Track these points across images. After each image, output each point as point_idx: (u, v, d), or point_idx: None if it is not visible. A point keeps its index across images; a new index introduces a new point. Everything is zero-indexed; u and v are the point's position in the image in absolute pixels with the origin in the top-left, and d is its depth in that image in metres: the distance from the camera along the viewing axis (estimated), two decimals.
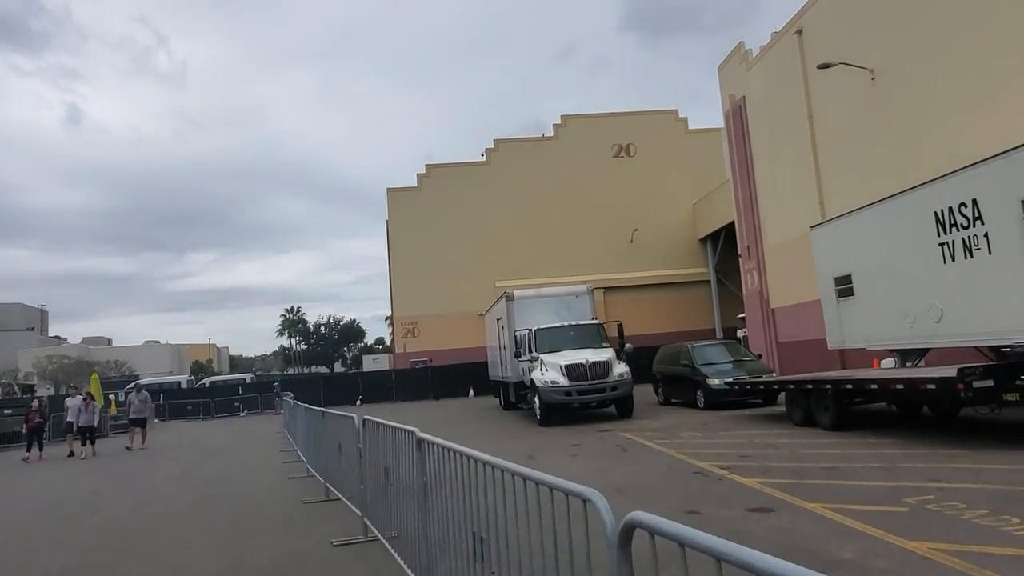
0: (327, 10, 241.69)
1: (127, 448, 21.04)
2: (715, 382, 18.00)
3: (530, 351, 18.99)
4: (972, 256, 11.22)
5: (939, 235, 11.86)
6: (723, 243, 37.08)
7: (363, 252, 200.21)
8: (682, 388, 19.92)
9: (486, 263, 39.52)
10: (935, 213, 11.89)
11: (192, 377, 58.55)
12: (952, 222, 11.59)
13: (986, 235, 10.94)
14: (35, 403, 22.26)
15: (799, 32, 22.61)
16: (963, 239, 11.39)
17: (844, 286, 14.96)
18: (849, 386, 12.34)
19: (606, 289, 36.99)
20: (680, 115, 43.61)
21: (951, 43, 16.35)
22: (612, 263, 39.81)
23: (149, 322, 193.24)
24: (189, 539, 8.27)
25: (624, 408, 18.18)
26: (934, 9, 16.86)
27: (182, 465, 16.52)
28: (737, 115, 27.62)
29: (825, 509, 6.96)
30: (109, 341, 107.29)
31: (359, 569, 6.45)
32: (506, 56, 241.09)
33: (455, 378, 36.53)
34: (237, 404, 39.02)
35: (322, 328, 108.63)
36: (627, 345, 19.49)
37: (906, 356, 14.06)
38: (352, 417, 7.88)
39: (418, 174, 42.77)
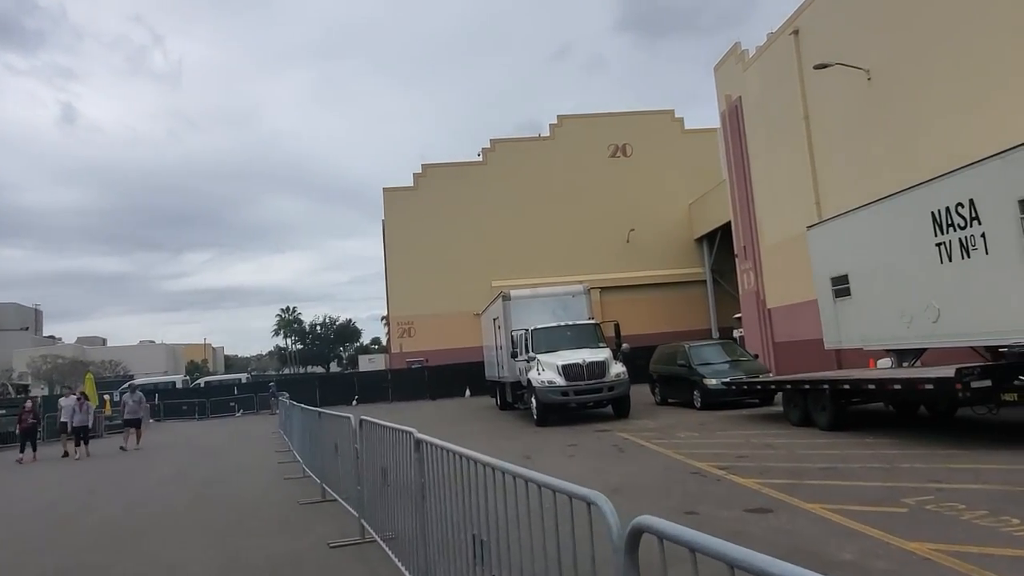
0: (323, 10, 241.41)
1: (122, 448, 20.95)
2: (712, 382, 17.99)
3: (527, 351, 18.95)
4: (969, 256, 11.22)
5: (936, 235, 11.86)
6: (719, 243, 37.11)
7: (359, 252, 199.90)
8: (679, 388, 19.91)
9: (482, 263, 39.47)
10: (932, 213, 11.90)
11: (187, 377, 58.43)
12: (949, 222, 11.60)
13: (983, 235, 10.94)
14: (28, 403, 22.12)
15: (795, 32, 22.61)
16: (960, 239, 11.39)
17: (841, 286, 14.97)
18: (847, 386, 12.34)
19: (602, 289, 36.96)
20: (676, 115, 43.63)
21: (947, 43, 16.37)
22: (608, 263, 39.79)
23: (144, 322, 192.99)
24: (184, 540, 8.21)
25: (621, 408, 18.16)
26: (930, 9, 16.87)
27: (177, 465, 16.44)
28: (733, 115, 27.64)
29: (824, 510, 6.94)
30: (104, 341, 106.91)
31: (356, 570, 6.41)
32: (502, 56, 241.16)
33: (451, 378, 36.48)
34: (232, 404, 38.88)
35: (318, 328, 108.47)
36: (624, 345, 19.48)
37: (903, 356, 14.07)
38: (349, 417, 7.84)
39: (414, 174, 42.69)
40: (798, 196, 22.76)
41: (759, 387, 16.85)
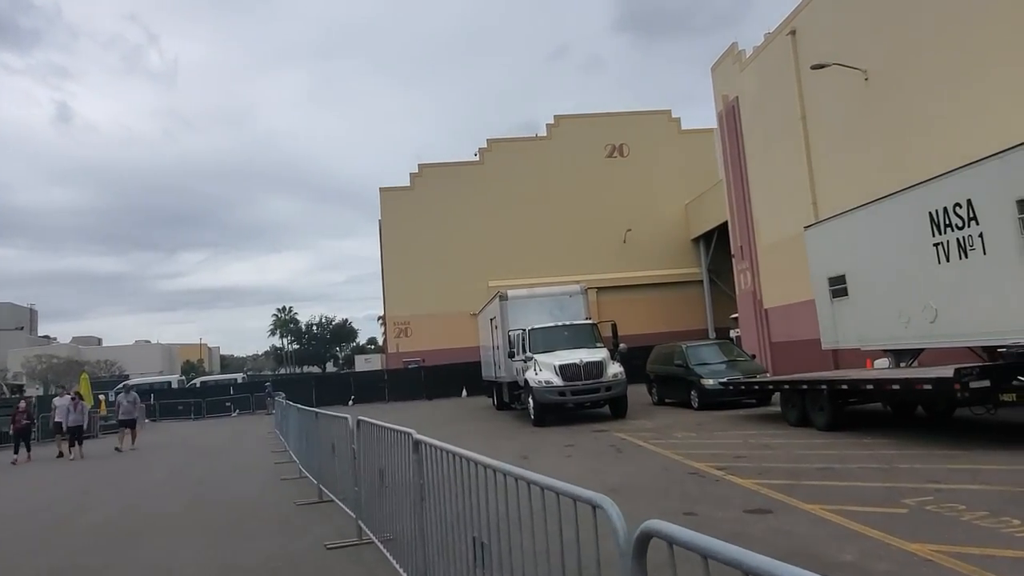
0: (320, 9, 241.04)
1: (117, 450, 20.83)
2: (709, 382, 17.96)
3: (524, 351, 18.91)
4: (967, 256, 11.22)
5: (934, 235, 11.86)
6: (716, 243, 37.13)
7: (355, 252, 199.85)
8: (676, 388, 19.88)
9: (479, 263, 39.43)
10: (930, 213, 11.89)
11: (183, 377, 58.22)
12: (947, 222, 11.59)
13: (981, 235, 10.94)
14: (22, 404, 21.95)
15: (792, 33, 22.63)
16: (958, 239, 11.38)
17: (838, 286, 14.96)
18: (844, 386, 12.32)
19: (599, 289, 36.94)
20: (673, 115, 43.64)
21: (944, 44, 16.38)
22: (605, 263, 39.79)
23: (140, 322, 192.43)
24: (180, 541, 8.15)
25: (618, 408, 18.13)
26: (927, 10, 16.88)
27: (173, 466, 16.37)
28: (730, 115, 27.64)
29: (823, 511, 6.91)
30: (99, 341, 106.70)
31: (354, 572, 6.36)
32: (499, 56, 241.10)
33: (448, 378, 36.42)
34: (228, 404, 38.78)
35: (314, 328, 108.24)
36: (621, 345, 19.43)
37: (900, 356, 14.06)
38: (346, 418, 7.79)
39: (411, 173, 42.62)
40: (795, 196, 22.77)
41: (756, 387, 16.83)
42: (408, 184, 42.39)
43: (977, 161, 10.98)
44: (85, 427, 21.42)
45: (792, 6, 22.79)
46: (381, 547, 6.31)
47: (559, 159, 41.76)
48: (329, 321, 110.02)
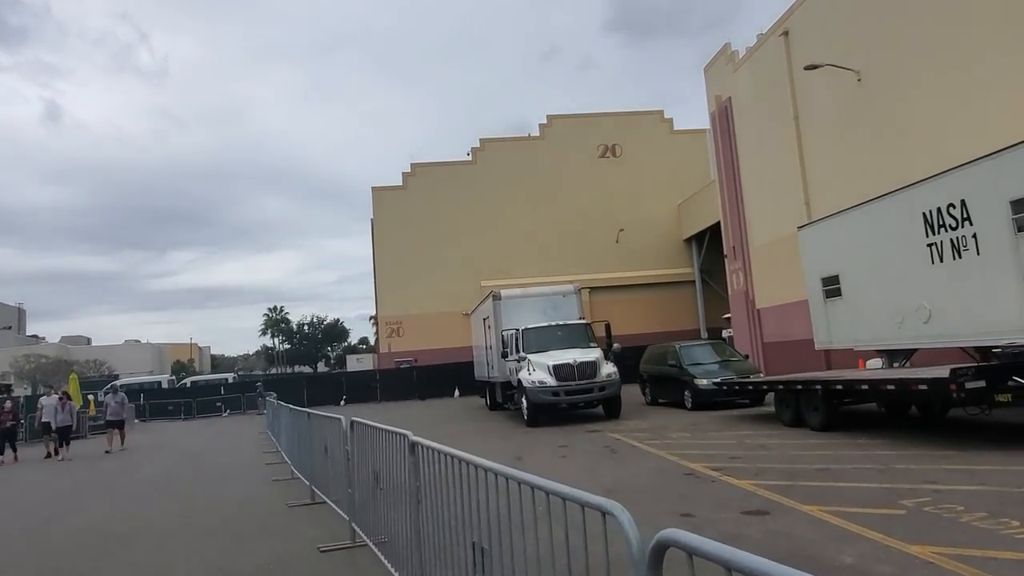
0: (312, 8, 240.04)
1: (106, 452, 20.58)
2: (703, 382, 17.94)
3: (517, 351, 18.84)
4: (960, 257, 11.24)
5: (927, 236, 11.88)
6: (708, 243, 37.19)
7: (347, 251, 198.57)
8: (669, 388, 19.86)
9: (472, 262, 39.35)
10: (923, 214, 11.91)
11: (173, 377, 57.84)
12: (940, 223, 11.61)
13: (974, 236, 10.96)
14: (7, 404, 21.67)
15: (785, 33, 22.65)
16: (951, 240, 11.41)
17: (832, 286, 14.97)
18: (839, 387, 12.30)
19: (592, 289, 36.92)
20: (665, 116, 43.68)
21: (938, 45, 16.42)
22: (598, 263, 39.77)
23: (129, 321, 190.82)
24: (170, 544, 8.03)
25: (612, 408, 18.09)
26: (920, 11, 16.92)
27: (163, 467, 16.21)
28: (723, 116, 27.66)
29: (821, 512, 6.87)
30: (88, 340, 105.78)
31: (347, 575, 6.27)
32: (492, 56, 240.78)
33: (440, 378, 36.29)
34: (219, 404, 38.50)
35: (305, 328, 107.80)
36: (615, 345, 19.40)
37: (893, 357, 14.08)
38: (339, 419, 7.69)
39: (403, 173, 42.49)
40: (788, 196, 22.79)
41: (751, 387, 16.82)
42: (400, 183, 42.26)
43: (970, 162, 11.01)
44: (74, 428, 21.20)
45: (785, 7, 22.82)
46: (375, 550, 6.23)
47: (552, 159, 41.73)
48: (321, 321, 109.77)
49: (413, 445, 4.75)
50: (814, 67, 19.50)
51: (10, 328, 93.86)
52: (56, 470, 17.48)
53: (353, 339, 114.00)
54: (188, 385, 47.43)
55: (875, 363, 15.16)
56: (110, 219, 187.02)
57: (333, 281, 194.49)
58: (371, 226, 43.90)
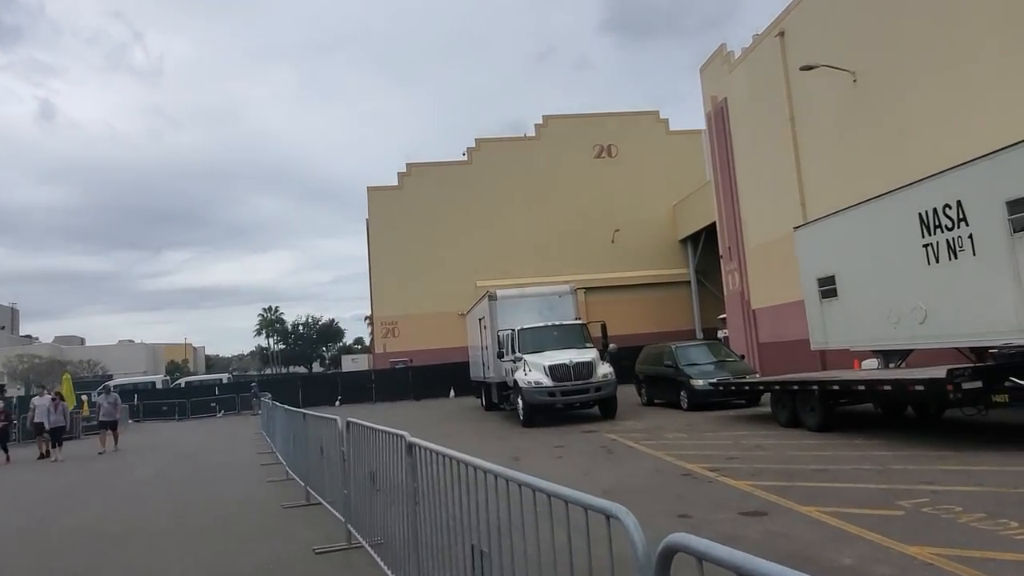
0: (307, 7, 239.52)
1: (100, 453, 20.45)
2: (699, 383, 17.93)
3: (513, 351, 18.80)
4: (956, 257, 11.25)
5: (923, 236, 11.89)
6: (703, 244, 37.22)
7: (342, 251, 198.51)
8: (665, 389, 19.84)
9: (467, 263, 39.28)
10: (919, 214, 11.92)
11: (167, 377, 57.59)
12: (936, 223, 11.62)
13: (970, 236, 10.97)
14: (0, 404, 21.54)
15: (781, 34, 22.67)
16: (947, 240, 11.41)
17: (828, 287, 14.97)
18: (836, 387, 12.30)
19: (587, 289, 36.90)
20: (661, 116, 43.69)
21: (933, 45, 16.45)
22: (593, 263, 39.74)
23: (124, 321, 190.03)
24: (164, 546, 7.97)
25: (608, 409, 18.06)
26: (916, 11, 16.94)
27: (157, 468, 16.11)
28: (719, 116, 27.67)
29: (819, 513, 6.85)
30: (82, 340, 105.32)
31: None
32: (488, 56, 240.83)
33: (436, 378, 36.23)
34: (213, 405, 38.37)
35: (300, 328, 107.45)
36: (611, 345, 19.37)
37: (889, 357, 14.09)
38: (335, 419, 7.64)
39: (399, 173, 42.40)
40: (783, 197, 22.81)
41: (747, 388, 16.81)
42: (396, 183, 42.18)
43: (967, 162, 11.01)
44: (67, 428, 21.07)
45: (780, 8, 22.85)
46: (371, 552, 6.18)
47: (547, 159, 41.69)
48: (316, 321, 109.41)
49: (410, 446, 4.71)
50: (810, 68, 19.53)
51: (3, 328, 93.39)
52: (49, 471, 17.37)
53: (348, 339, 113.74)
54: (182, 385, 47.27)
55: (871, 363, 15.16)
56: (104, 219, 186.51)
57: (328, 281, 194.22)
58: (366, 226, 43.80)
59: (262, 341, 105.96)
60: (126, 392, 37.33)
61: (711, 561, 1.63)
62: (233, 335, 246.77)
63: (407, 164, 42.52)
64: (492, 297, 21.16)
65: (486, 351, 22.11)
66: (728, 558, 1.52)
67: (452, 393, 35.40)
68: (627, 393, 20.84)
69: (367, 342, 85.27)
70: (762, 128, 24.37)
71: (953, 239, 11.28)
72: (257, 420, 25.55)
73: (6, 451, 20.00)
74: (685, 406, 18.35)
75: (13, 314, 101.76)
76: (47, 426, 19.84)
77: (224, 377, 53.43)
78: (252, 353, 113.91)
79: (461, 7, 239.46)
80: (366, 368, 49.84)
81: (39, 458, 19.95)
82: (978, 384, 9.38)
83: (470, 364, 27.20)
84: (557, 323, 19.34)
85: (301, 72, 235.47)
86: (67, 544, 8.54)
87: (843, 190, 18.11)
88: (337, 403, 36.37)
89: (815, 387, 12.77)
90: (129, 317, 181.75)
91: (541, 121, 43.16)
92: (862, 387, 11.74)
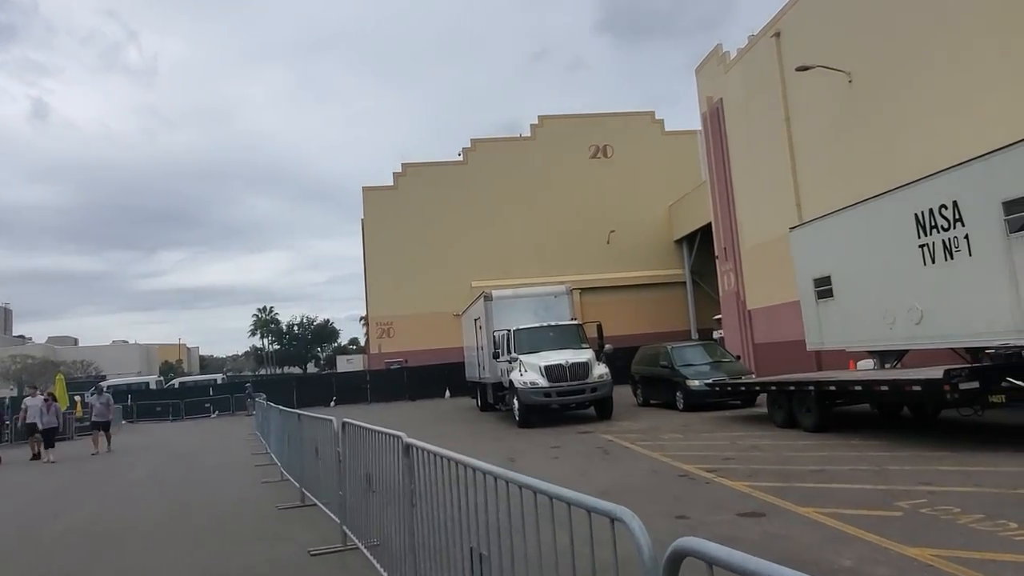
0: (303, 7, 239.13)
1: (93, 454, 20.29)
2: (695, 383, 17.91)
3: (509, 352, 18.74)
4: (952, 258, 11.24)
5: (919, 237, 11.88)
6: (699, 244, 37.22)
7: (337, 252, 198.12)
8: (661, 389, 19.81)
9: (462, 263, 39.22)
10: (915, 215, 11.91)
11: (161, 378, 57.42)
12: (932, 224, 11.61)
13: (966, 237, 10.96)
14: None
15: (777, 35, 22.68)
16: (943, 241, 11.41)
17: (823, 287, 14.97)
18: (832, 387, 12.29)
19: (582, 290, 36.85)
20: (656, 117, 43.70)
21: (929, 46, 16.47)
22: (588, 264, 39.71)
23: (117, 322, 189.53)
24: (158, 547, 7.90)
25: (603, 409, 18.02)
26: (912, 12, 16.97)
27: (150, 469, 16.01)
28: (714, 117, 27.68)
29: (817, 514, 6.82)
30: (75, 341, 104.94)
31: None
32: (483, 56, 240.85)
33: (431, 379, 36.16)
34: (208, 405, 38.22)
35: (295, 328, 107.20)
36: (607, 346, 19.31)
37: (885, 357, 14.08)
38: (331, 420, 7.58)
39: (394, 173, 42.31)
40: (779, 198, 22.82)
41: (743, 388, 16.80)
42: (391, 184, 42.09)
43: (963, 163, 11.01)
44: (60, 429, 20.91)
45: (774, 9, 22.88)
46: (367, 553, 6.13)
47: (543, 159, 41.66)
48: (310, 321, 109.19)
49: (408, 447, 4.66)
50: (805, 68, 19.56)
51: None
52: (42, 472, 17.24)
53: (343, 340, 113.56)
54: (176, 386, 47.10)
55: (866, 364, 15.16)
56: (98, 218, 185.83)
57: (323, 281, 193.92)
58: (362, 226, 43.69)
59: (257, 341, 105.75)
60: (120, 393, 37.20)
61: (722, 566, 1.57)
62: (228, 335, 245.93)
63: (402, 164, 42.46)
64: (488, 297, 21.10)
65: (482, 351, 22.05)
66: (741, 563, 1.48)
67: (447, 394, 35.33)
68: (623, 394, 20.80)
69: (362, 342, 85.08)
70: (758, 128, 24.38)
71: (949, 240, 11.28)
72: (252, 421, 25.43)
73: None
74: (681, 407, 18.32)
75: (6, 314, 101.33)
76: (40, 427, 19.67)
77: (218, 378, 53.32)
78: (247, 353, 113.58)
79: (456, 7, 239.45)
80: (361, 368, 49.75)
81: (31, 459, 19.80)
82: (975, 384, 9.38)
83: (465, 365, 27.14)
84: (553, 323, 19.29)
85: (296, 72, 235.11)
86: (60, 546, 8.45)
87: (839, 190, 18.12)
88: (332, 404, 36.26)
89: (811, 388, 12.76)
90: (123, 317, 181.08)
91: (536, 121, 43.14)
92: (859, 387, 11.73)
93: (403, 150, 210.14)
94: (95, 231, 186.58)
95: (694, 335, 36.25)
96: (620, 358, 22.64)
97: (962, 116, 15.35)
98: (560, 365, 17.30)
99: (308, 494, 9.44)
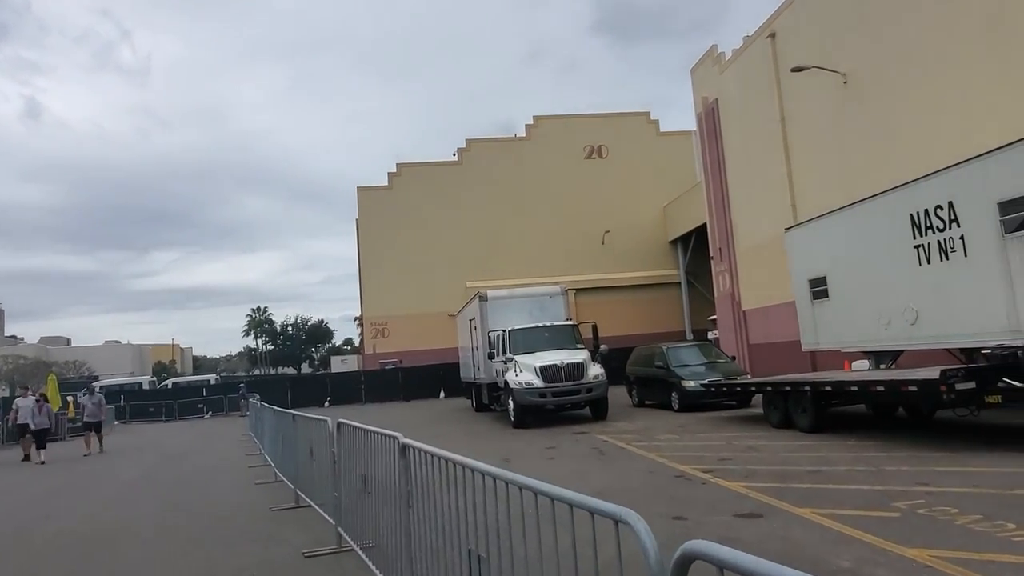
0: (296, 7, 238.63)
1: (85, 455, 20.15)
2: (690, 384, 17.90)
3: (504, 352, 18.71)
4: (948, 258, 11.24)
5: (915, 237, 11.88)
6: (693, 245, 37.23)
7: (332, 252, 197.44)
8: (656, 390, 19.80)
9: (457, 263, 39.16)
10: (911, 215, 11.91)
11: (154, 378, 57.12)
12: (928, 224, 11.61)
13: (962, 237, 10.96)
14: None
15: (772, 36, 22.70)
16: (939, 241, 11.41)
17: (819, 288, 14.97)
18: (828, 388, 12.28)
19: (577, 290, 36.84)
20: (652, 117, 43.74)
21: (924, 47, 16.49)
22: (583, 264, 39.70)
23: (110, 322, 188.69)
24: (150, 550, 7.82)
25: (599, 410, 17.99)
26: (907, 13, 16.99)
27: (143, 470, 15.90)
28: (710, 117, 27.69)
29: (815, 514, 6.79)
30: (68, 341, 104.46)
31: None
32: (478, 56, 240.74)
33: (425, 379, 36.08)
34: (201, 406, 38.03)
35: (289, 328, 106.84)
36: (602, 346, 19.30)
37: (880, 358, 14.08)
38: (326, 420, 7.52)
39: (389, 173, 42.23)
40: (774, 198, 22.83)
41: (739, 389, 16.79)
42: (386, 184, 42.00)
43: (958, 163, 11.01)
44: (52, 429, 20.75)
45: (769, 10, 22.90)
46: (362, 555, 6.07)
47: (538, 160, 41.63)
48: (304, 322, 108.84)
49: (404, 447, 4.61)
50: (800, 69, 19.57)
51: None
52: (33, 473, 17.10)
53: (337, 340, 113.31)
54: (169, 386, 46.87)
55: (861, 365, 15.16)
56: (91, 218, 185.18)
57: (317, 282, 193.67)
58: (356, 227, 43.59)
59: (250, 342, 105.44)
60: (112, 393, 36.96)
61: (733, 570, 1.53)
62: (221, 336, 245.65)
63: (397, 164, 42.37)
64: (483, 298, 21.06)
65: (477, 352, 22.01)
66: (752, 567, 1.43)
67: (442, 394, 35.25)
68: (618, 394, 20.78)
69: (356, 343, 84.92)
70: (753, 129, 24.39)
71: (944, 240, 11.28)
72: (245, 421, 25.32)
73: None
74: (676, 407, 18.31)
75: None
76: (32, 427, 19.52)
77: (212, 378, 53.08)
78: (240, 354, 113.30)
79: (452, 7, 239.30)
80: (355, 369, 49.62)
81: (22, 460, 19.64)
82: (972, 385, 9.38)
83: (460, 365, 27.08)
84: (548, 324, 19.26)
85: (290, 72, 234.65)
86: (52, 547, 8.36)
87: (834, 191, 18.15)
88: (326, 404, 36.15)
89: (807, 388, 12.75)
90: (116, 318, 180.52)
91: (532, 121, 43.12)
92: (855, 388, 11.73)
93: (398, 150, 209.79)
94: (88, 231, 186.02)
95: (689, 336, 36.28)
96: (615, 359, 22.62)
97: (957, 117, 15.37)
98: (555, 366, 17.26)
99: (302, 495, 9.37)
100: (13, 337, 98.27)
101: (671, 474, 9.76)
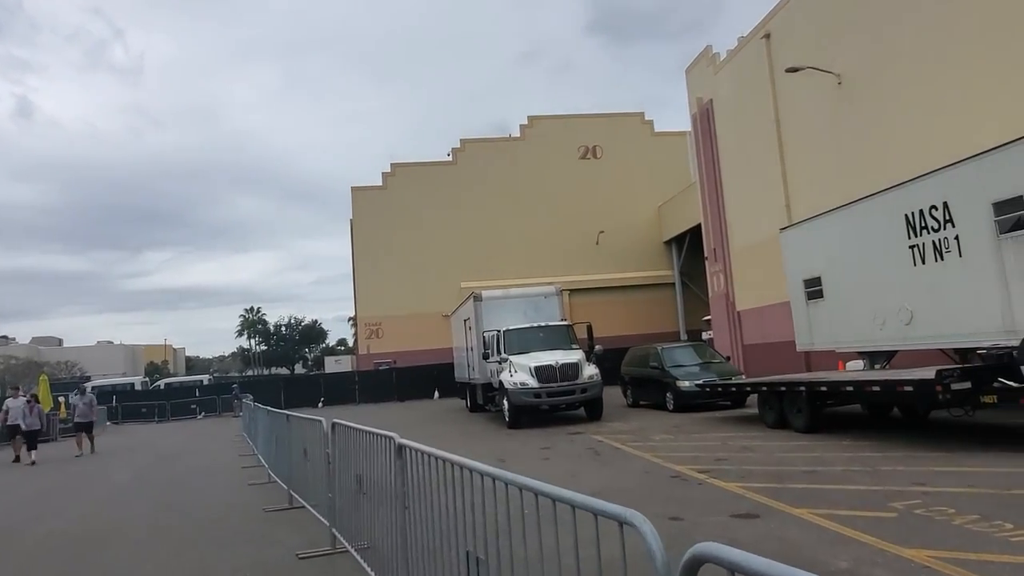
0: (290, 6, 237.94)
1: (77, 456, 20.00)
2: (685, 384, 17.88)
3: (498, 352, 18.65)
4: (943, 259, 11.28)
5: (910, 237, 11.91)
6: (688, 245, 37.27)
7: (325, 252, 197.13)
8: (651, 390, 19.78)
9: (452, 264, 39.10)
10: (906, 216, 11.94)
11: (147, 378, 56.88)
12: (923, 224, 11.64)
13: (957, 238, 11.00)
14: None
15: (767, 36, 22.75)
16: (934, 241, 11.44)
17: (814, 288, 14.99)
18: (824, 388, 12.28)
19: (572, 291, 36.80)
20: (647, 118, 43.77)
21: (918, 48, 16.54)
22: (577, 265, 39.70)
23: (102, 322, 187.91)
24: (142, 552, 7.74)
25: (594, 410, 17.96)
26: (902, 14, 17.04)
27: (135, 471, 15.79)
28: (704, 118, 27.73)
29: (812, 515, 6.77)
30: (60, 341, 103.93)
31: None
32: (472, 56, 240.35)
33: (420, 380, 36.00)
34: (194, 406, 37.85)
35: (282, 329, 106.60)
36: (597, 347, 19.26)
37: (874, 358, 14.11)
38: (320, 421, 7.46)
39: (383, 173, 42.15)
40: (769, 199, 22.87)
41: (734, 389, 16.78)
42: (380, 184, 41.91)
43: (953, 164, 11.05)
44: (44, 430, 20.59)
45: (763, 11, 22.94)
46: (357, 556, 6.01)
47: (533, 160, 41.61)
48: (298, 322, 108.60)
49: (400, 448, 4.56)
50: (795, 70, 19.62)
51: None
52: (24, 474, 16.97)
53: (331, 340, 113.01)
54: (162, 387, 46.66)
55: (855, 365, 15.20)
56: (83, 218, 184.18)
57: (311, 282, 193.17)
58: (350, 226, 43.48)
59: (244, 342, 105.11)
60: (104, 393, 36.78)
61: (744, 573, 1.49)
62: (214, 336, 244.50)
63: (391, 164, 42.28)
64: (477, 298, 21.00)
65: (471, 352, 21.95)
66: (764, 569, 1.39)
67: (436, 394, 35.19)
68: (612, 395, 20.76)
69: (350, 343, 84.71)
70: (747, 129, 24.43)
71: (939, 240, 11.31)
72: (238, 422, 25.19)
73: None
74: (671, 407, 18.30)
75: None
76: (23, 428, 19.36)
77: (205, 379, 52.93)
78: (234, 354, 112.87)
79: (446, 7, 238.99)
80: (349, 369, 49.48)
81: (14, 461, 19.48)
82: (967, 385, 9.38)
83: (455, 365, 27.03)
84: (543, 324, 19.22)
85: (284, 71, 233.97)
86: (43, 549, 8.28)
87: (829, 191, 18.17)
88: (320, 404, 36.02)
89: (802, 388, 12.74)
90: (108, 318, 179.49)
91: (526, 122, 43.10)
92: (850, 388, 11.72)
93: (392, 150, 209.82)
94: (80, 230, 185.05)
95: (683, 336, 36.28)
96: (610, 359, 22.58)
97: (952, 117, 15.42)
98: (550, 366, 17.23)
99: (296, 496, 9.31)
100: (5, 337, 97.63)
101: (667, 474, 9.73)
